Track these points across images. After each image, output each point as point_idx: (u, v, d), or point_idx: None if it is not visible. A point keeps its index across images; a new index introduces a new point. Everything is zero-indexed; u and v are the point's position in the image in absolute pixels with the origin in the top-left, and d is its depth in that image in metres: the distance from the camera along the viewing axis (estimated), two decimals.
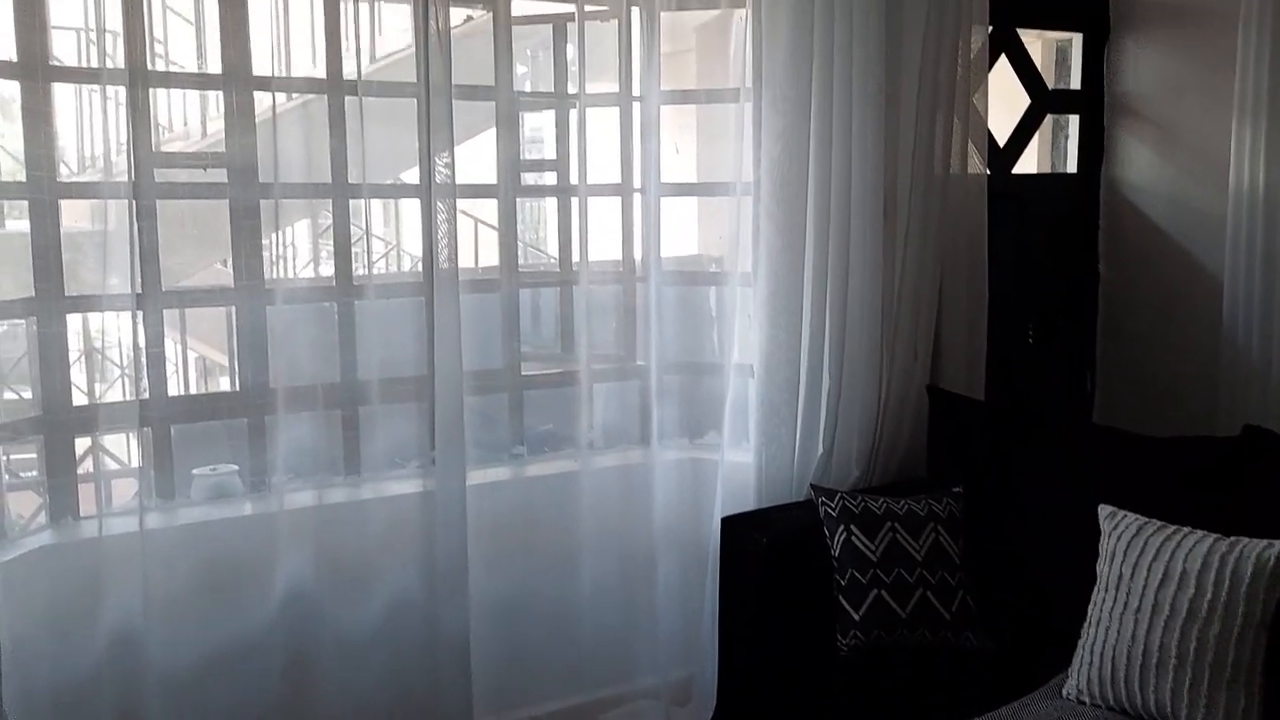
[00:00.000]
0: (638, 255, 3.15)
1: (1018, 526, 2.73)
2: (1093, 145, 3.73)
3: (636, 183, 3.11)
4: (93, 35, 2.51)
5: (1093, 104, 3.71)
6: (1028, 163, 3.71)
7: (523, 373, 3.07)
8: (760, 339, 2.96)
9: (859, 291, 2.93)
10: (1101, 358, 3.78)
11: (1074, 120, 3.76)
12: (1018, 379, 3.56)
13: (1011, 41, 3.56)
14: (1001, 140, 3.55)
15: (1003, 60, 3.53)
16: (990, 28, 3.16)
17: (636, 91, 3.04)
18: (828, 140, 2.86)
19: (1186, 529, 2.19)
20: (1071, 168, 3.76)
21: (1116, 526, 2.28)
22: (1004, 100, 3.54)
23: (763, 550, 2.69)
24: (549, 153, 3.16)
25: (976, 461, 2.87)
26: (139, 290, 2.50)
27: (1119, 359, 3.73)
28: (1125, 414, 3.58)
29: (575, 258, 3.06)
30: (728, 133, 3.03)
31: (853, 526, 2.63)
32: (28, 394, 2.62)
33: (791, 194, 2.88)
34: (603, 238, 3.14)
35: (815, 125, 2.85)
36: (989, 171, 3.20)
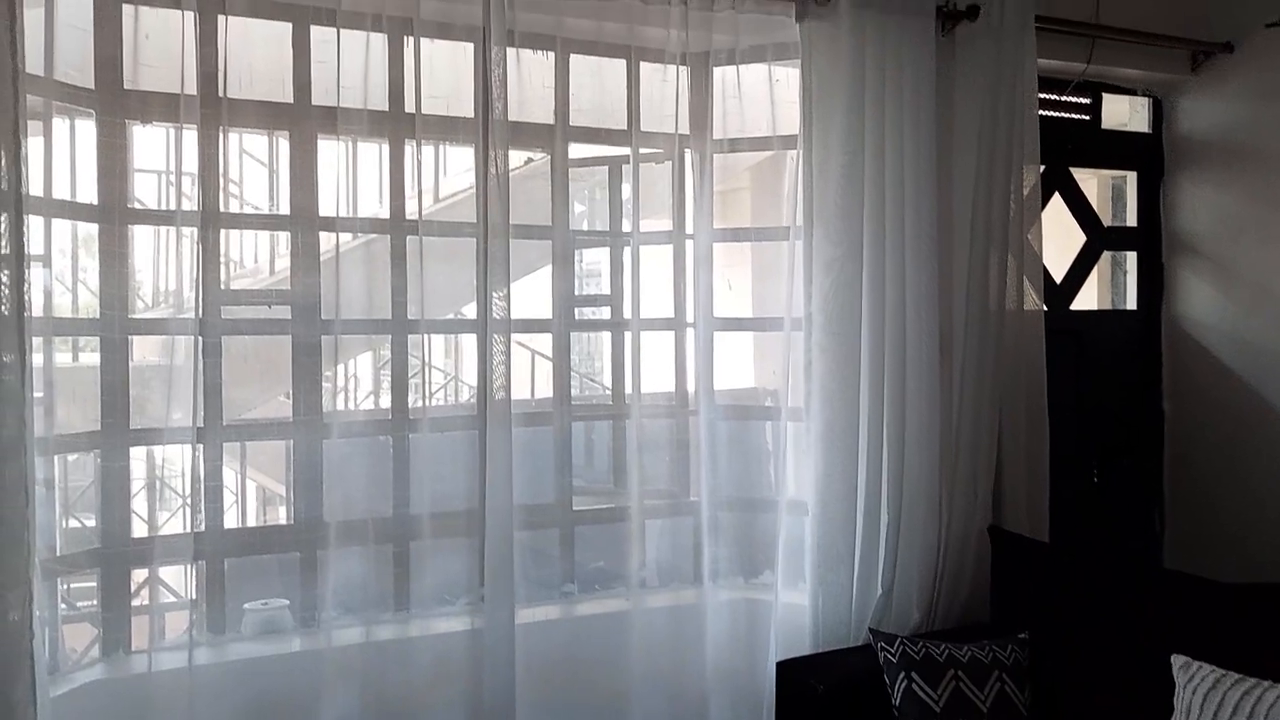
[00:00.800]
0: (691, 389, 3.16)
1: (1087, 676, 2.61)
2: (1152, 282, 3.70)
3: (689, 317, 3.14)
4: (172, 177, 2.63)
5: (1150, 241, 3.71)
6: (1087, 299, 3.69)
7: (574, 508, 3.05)
8: (815, 475, 2.92)
9: (916, 427, 2.89)
10: (1170, 497, 3.67)
11: (1131, 257, 3.74)
12: (1083, 519, 3.46)
13: (1065, 180, 3.59)
14: (1058, 277, 3.54)
15: (1057, 197, 3.55)
16: (1042, 167, 3.18)
17: (689, 229, 3.10)
18: (880, 275, 2.88)
19: (1267, 683, 2.08)
20: (1131, 304, 3.73)
21: (1192, 679, 2.17)
22: (1061, 237, 3.56)
23: (820, 698, 2.59)
24: (604, 287, 3.21)
25: (1042, 606, 2.77)
26: (200, 424, 2.55)
27: (1188, 498, 3.62)
28: (1196, 555, 3.46)
29: (628, 391, 3.06)
30: (780, 268, 3.05)
31: (914, 674, 2.53)
32: (91, 522, 2.66)
33: (844, 328, 2.89)
34: (656, 371, 3.15)
35: (868, 260, 2.88)
36: (1046, 308, 3.18)
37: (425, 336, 2.77)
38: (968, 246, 2.99)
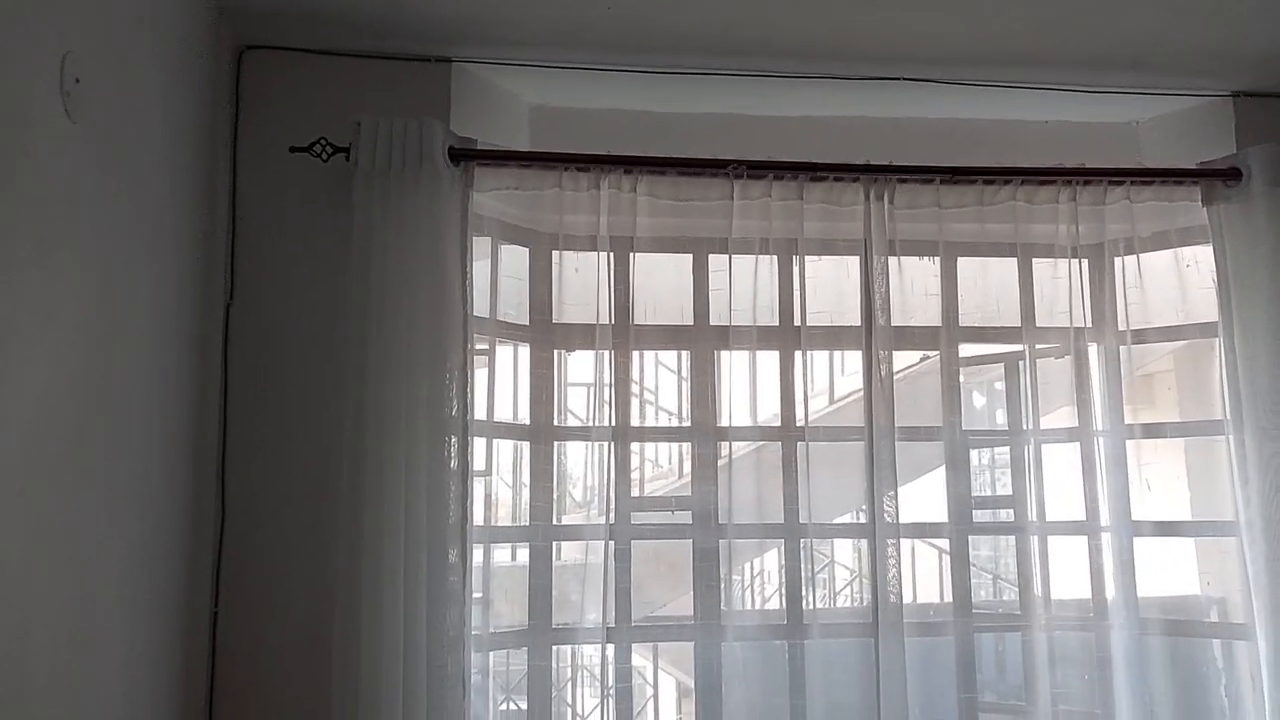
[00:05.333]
0: (1109, 597, 2.87)
1: None
2: None
3: (1103, 520, 2.89)
4: (593, 392, 2.91)
5: None
6: None
7: None
8: (1273, 710, 2.53)
9: None
10: None
11: None
12: None
13: None
14: None
15: None
16: None
17: (1098, 426, 2.90)
18: None
19: None
20: None
21: None
22: None
23: None
24: (1007, 486, 3.07)
25: None
26: (611, 624, 2.73)
27: None
28: None
29: (1036, 598, 2.85)
30: (1208, 467, 2.77)
31: None
32: (524, 704, 2.88)
33: None
34: (1067, 576, 2.92)
35: None
36: None
37: (810, 541, 2.82)
38: None
